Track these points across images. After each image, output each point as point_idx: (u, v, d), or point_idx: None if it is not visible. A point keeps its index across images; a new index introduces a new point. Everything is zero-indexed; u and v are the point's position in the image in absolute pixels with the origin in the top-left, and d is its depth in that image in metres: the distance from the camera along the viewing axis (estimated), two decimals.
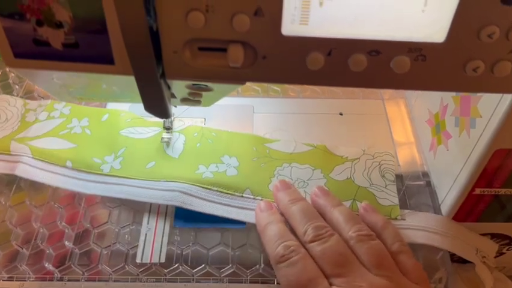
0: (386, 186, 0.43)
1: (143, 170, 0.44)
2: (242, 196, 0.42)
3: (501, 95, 0.31)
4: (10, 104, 0.50)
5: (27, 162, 0.44)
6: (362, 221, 0.37)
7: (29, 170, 0.43)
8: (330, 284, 0.32)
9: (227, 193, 0.42)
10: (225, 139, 0.47)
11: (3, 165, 0.44)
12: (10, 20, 0.26)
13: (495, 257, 0.45)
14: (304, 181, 0.44)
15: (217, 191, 0.42)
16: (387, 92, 0.54)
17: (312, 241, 0.34)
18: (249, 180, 0.43)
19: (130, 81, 0.29)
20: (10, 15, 0.26)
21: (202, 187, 0.42)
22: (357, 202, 0.41)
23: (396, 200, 0.42)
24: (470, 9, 0.24)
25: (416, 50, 0.26)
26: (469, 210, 0.39)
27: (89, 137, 0.47)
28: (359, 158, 0.46)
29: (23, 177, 0.43)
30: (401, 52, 0.26)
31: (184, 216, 0.42)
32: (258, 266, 0.39)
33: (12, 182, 0.45)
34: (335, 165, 0.45)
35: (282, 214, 0.38)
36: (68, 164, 0.44)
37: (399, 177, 0.45)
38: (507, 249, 0.45)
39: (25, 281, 0.38)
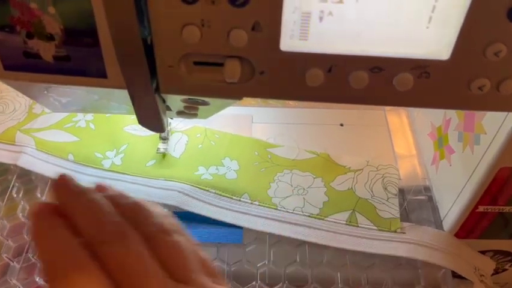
0: (387, 199, 0.43)
1: (143, 167, 0.44)
2: (240, 200, 0.41)
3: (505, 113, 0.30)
4: (18, 95, 0.51)
5: (31, 153, 0.44)
6: None
7: (32, 161, 0.44)
8: None
9: (224, 196, 0.41)
10: (228, 142, 0.47)
11: (6, 155, 0.45)
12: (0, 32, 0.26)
13: (497, 274, 0.45)
14: (304, 188, 0.43)
15: (214, 193, 0.42)
16: None
17: None
18: (248, 185, 0.43)
19: (124, 94, 0.28)
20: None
21: (200, 188, 0.42)
22: (356, 213, 0.41)
23: (397, 213, 0.41)
24: (476, 27, 0.24)
25: (419, 67, 0.25)
26: (471, 227, 0.39)
27: (92, 131, 0.47)
28: (362, 169, 0.45)
29: (24, 167, 0.44)
30: (404, 69, 0.25)
31: None
32: (254, 282, 0.38)
33: (4, 192, 0.44)
34: (337, 175, 0.45)
35: None
36: (70, 157, 0.44)
37: (400, 191, 0.44)
38: (510, 266, 0.44)
39: None
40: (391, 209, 0.42)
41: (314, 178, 0.44)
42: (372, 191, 0.43)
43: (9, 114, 0.49)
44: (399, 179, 0.45)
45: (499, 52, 0.24)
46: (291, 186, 0.43)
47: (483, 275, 0.40)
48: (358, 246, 0.39)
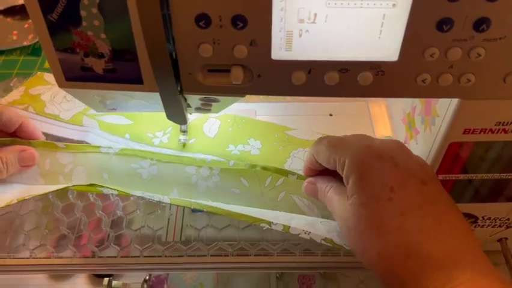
0: None
1: (185, 144, 0.51)
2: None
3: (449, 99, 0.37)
4: None
5: (96, 132, 0.52)
6: None
7: (96, 138, 0.52)
8: None
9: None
10: (252, 126, 0.54)
11: (76, 133, 0.53)
12: (64, 53, 0.33)
13: None
14: None
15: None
16: None
17: None
18: (268, 159, 0.50)
19: (155, 96, 0.35)
20: (64, 50, 0.33)
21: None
22: None
23: None
24: (413, 36, 0.30)
25: (376, 67, 0.32)
26: None
27: (144, 116, 0.55)
28: None
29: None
30: (364, 69, 0.32)
31: None
32: (261, 242, 0.45)
33: None
34: None
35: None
36: (127, 136, 0.52)
37: None
38: (474, 227, 0.51)
39: (73, 257, 0.45)
40: None
41: None
42: None
43: (77, 102, 0.55)
44: None
45: (434, 54, 0.31)
46: (303, 161, 0.50)
47: None
48: None
